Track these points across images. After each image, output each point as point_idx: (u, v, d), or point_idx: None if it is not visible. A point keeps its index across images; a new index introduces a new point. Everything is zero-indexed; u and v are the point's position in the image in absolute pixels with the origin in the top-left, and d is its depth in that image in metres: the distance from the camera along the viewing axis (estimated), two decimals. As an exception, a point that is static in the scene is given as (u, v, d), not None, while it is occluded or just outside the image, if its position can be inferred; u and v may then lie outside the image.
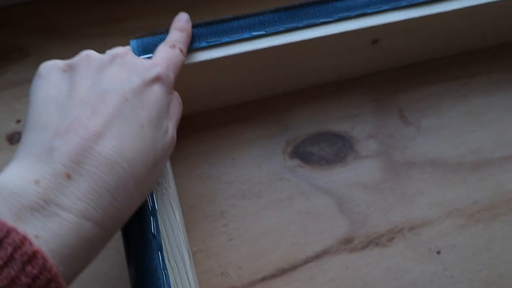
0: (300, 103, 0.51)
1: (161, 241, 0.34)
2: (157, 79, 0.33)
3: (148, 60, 0.35)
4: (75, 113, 0.29)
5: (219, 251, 0.43)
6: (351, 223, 0.45)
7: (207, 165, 0.47)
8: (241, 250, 0.43)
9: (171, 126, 0.35)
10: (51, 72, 0.33)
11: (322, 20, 0.44)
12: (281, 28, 0.44)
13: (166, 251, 0.34)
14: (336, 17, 0.45)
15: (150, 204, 0.35)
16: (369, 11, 0.45)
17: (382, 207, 0.46)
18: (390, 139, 0.49)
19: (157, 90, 0.33)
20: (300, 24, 0.44)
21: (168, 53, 0.38)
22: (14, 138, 0.49)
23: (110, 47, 0.55)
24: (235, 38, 0.43)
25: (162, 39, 0.42)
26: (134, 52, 0.41)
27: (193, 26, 0.43)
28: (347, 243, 0.44)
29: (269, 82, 0.48)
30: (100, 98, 0.30)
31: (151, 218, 0.34)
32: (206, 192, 0.46)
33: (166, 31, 0.43)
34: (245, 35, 0.43)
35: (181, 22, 0.42)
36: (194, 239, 0.44)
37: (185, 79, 0.43)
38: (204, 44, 0.42)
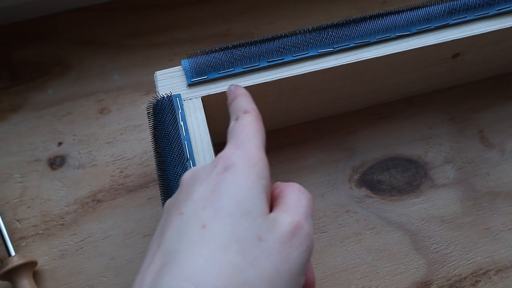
0: (365, 123, 0.46)
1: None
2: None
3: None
4: None
5: (280, 294, 0.39)
6: (428, 263, 0.40)
7: (264, 194, 0.42)
8: (304, 294, 0.39)
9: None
10: None
11: (397, 34, 0.39)
12: (351, 44, 0.38)
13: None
14: (413, 30, 0.39)
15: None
16: (451, 22, 0.39)
17: (463, 245, 0.40)
18: (470, 165, 0.44)
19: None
20: (373, 39, 0.39)
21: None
22: (55, 163, 0.45)
23: (154, 59, 0.52)
24: (299, 56, 0.38)
25: (216, 59, 0.37)
26: (186, 73, 0.37)
27: (252, 43, 0.38)
28: (424, 287, 0.39)
29: (332, 101, 0.43)
30: None
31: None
32: (264, 226, 0.41)
33: (219, 49, 0.38)
34: (311, 53, 0.38)
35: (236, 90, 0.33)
36: (252, 280, 0.39)
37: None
38: (265, 63, 0.37)
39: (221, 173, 0.26)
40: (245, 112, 0.30)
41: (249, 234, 0.24)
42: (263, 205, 0.26)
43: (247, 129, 0.29)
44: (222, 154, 0.27)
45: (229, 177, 0.26)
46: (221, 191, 0.25)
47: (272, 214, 0.26)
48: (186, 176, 0.28)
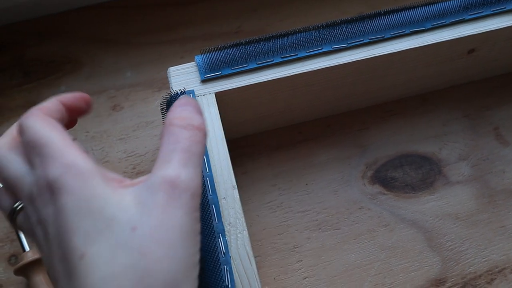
0: (378, 119, 0.45)
1: (237, 296, 0.30)
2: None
3: None
4: None
5: (294, 291, 0.39)
6: (442, 261, 0.39)
7: (277, 191, 0.42)
8: (318, 291, 0.39)
9: None
10: None
11: (412, 30, 0.38)
12: (366, 40, 0.38)
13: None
14: (428, 25, 0.39)
15: (222, 250, 0.31)
16: (467, 17, 0.39)
17: (478, 243, 0.40)
18: (485, 162, 0.43)
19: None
20: (387, 35, 0.38)
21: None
22: (69, 159, 0.45)
23: (166, 56, 0.52)
24: (312, 52, 0.38)
25: (229, 54, 0.37)
26: (199, 69, 0.37)
27: (265, 39, 0.38)
28: (438, 285, 0.39)
29: (345, 98, 0.43)
30: None
31: (225, 268, 0.30)
32: (277, 222, 0.41)
33: (233, 45, 0.38)
34: (325, 49, 0.38)
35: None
36: (265, 276, 0.39)
37: (255, 97, 0.39)
38: (278, 59, 0.37)
39: (55, 200, 0.24)
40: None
41: (124, 233, 0.23)
42: (124, 195, 0.24)
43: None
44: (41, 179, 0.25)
45: (63, 199, 0.24)
46: (69, 215, 0.24)
47: (144, 186, 0.24)
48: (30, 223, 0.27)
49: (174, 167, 0.24)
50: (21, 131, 0.27)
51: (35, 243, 0.27)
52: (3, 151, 0.28)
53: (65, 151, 0.25)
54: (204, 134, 0.27)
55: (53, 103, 0.29)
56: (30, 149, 0.26)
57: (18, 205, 0.28)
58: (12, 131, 0.29)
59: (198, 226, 0.25)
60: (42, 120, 0.27)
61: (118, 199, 0.24)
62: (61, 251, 0.24)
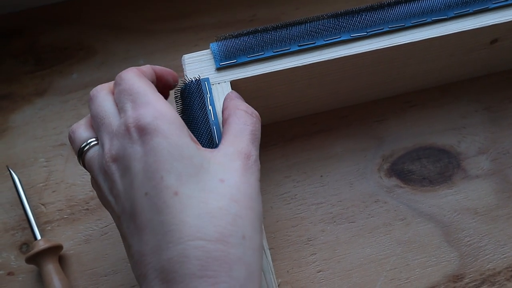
0: (396, 111, 0.44)
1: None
2: None
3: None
4: None
5: (307, 284, 0.38)
6: (460, 256, 0.39)
7: (291, 183, 0.42)
8: (332, 284, 0.38)
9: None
10: None
11: (434, 18, 0.37)
12: (386, 28, 0.37)
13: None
14: (451, 14, 0.37)
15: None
16: (491, 5, 0.38)
17: (497, 239, 0.39)
18: (505, 156, 0.42)
19: None
20: (408, 23, 0.37)
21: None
22: (81, 147, 0.45)
23: (179, 44, 0.51)
24: (331, 41, 0.37)
25: (245, 42, 0.36)
26: (215, 57, 0.36)
27: (282, 26, 0.37)
28: (456, 281, 0.38)
29: (363, 88, 0.42)
30: None
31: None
32: (291, 215, 0.40)
33: (249, 33, 0.37)
34: (343, 37, 0.37)
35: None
36: (278, 269, 0.39)
37: (271, 86, 0.38)
38: (295, 47, 0.36)
39: (145, 140, 0.27)
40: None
41: (213, 181, 0.27)
42: (206, 153, 0.28)
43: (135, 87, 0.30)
44: (126, 120, 0.28)
45: (157, 139, 0.26)
46: (161, 155, 0.26)
47: (221, 152, 0.28)
48: (104, 158, 0.28)
49: (248, 143, 0.29)
50: (118, 82, 0.30)
51: (104, 178, 0.29)
52: (102, 92, 0.31)
53: (159, 101, 0.28)
54: (260, 124, 0.32)
55: (147, 68, 0.33)
56: (125, 96, 0.29)
57: (92, 140, 0.31)
58: (109, 84, 0.32)
59: (260, 193, 0.29)
60: (139, 75, 0.30)
61: (203, 154, 0.28)
62: (149, 187, 0.26)
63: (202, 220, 0.25)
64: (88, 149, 0.31)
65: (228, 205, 0.26)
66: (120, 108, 0.29)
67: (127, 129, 0.27)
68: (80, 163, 0.32)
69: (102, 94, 0.31)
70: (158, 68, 0.34)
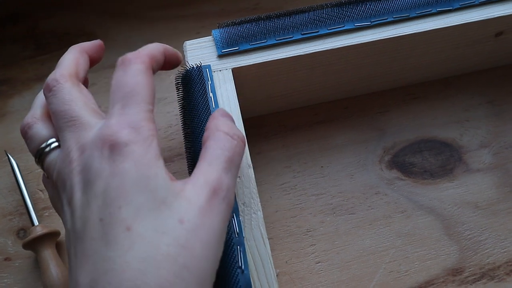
0: (398, 103, 0.44)
1: (249, 277, 0.29)
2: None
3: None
4: None
5: (306, 275, 0.38)
6: (460, 250, 0.38)
7: (291, 173, 0.41)
8: (330, 276, 0.38)
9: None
10: None
11: (439, 9, 0.37)
12: (390, 19, 0.37)
13: (255, 288, 0.29)
14: (456, 5, 0.37)
15: (236, 230, 0.30)
16: (497, -3, 0.37)
17: (498, 233, 0.39)
18: (507, 150, 0.42)
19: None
20: (412, 14, 0.37)
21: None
22: (80, 134, 0.44)
23: (181, 31, 0.50)
24: (334, 30, 0.36)
25: (248, 29, 0.36)
26: (216, 44, 0.35)
27: (286, 14, 0.36)
28: (455, 274, 0.37)
29: (365, 79, 0.42)
30: None
31: (238, 249, 0.29)
32: (290, 205, 0.40)
33: (252, 20, 0.37)
34: (347, 26, 0.36)
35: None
36: (277, 259, 0.38)
37: (273, 75, 0.37)
38: (298, 36, 0.36)
39: (115, 160, 0.24)
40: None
41: (171, 221, 0.24)
42: (177, 185, 0.25)
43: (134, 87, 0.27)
44: (103, 131, 0.25)
45: (127, 165, 0.24)
46: (126, 183, 0.24)
47: (190, 184, 0.25)
48: (68, 168, 0.25)
49: (220, 174, 0.26)
50: (121, 68, 0.27)
51: (64, 187, 0.26)
52: (71, 81, 0.28)
53: (147, 111, 0.26)
54: (244, 148, 0.28)
55: (158, 51, 0.30)
56: (120, 94, 0.26)
57: (53, 141, 0.28)
58: (77, 68, 0.30)
59: (225, 235, 0.26)
60: (146, 70, 0.28)
61: (172, 187, 0.25)
62: (106, 213, 0.23)
63: (146, 265, 0.22)
64: (49, 152, 0.28)
65: (178, 253, 0.23)
66: (110, 105, 0.26)
67: (103, 143, 0.25)
68: (37, 164, 0.29)
69: (71, 85, 0.28)
70: (170, 49, 0.31)
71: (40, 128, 0.28)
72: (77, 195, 0.25)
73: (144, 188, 0.24)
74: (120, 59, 0.28)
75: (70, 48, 0.32)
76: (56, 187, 0.27)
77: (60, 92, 0.27)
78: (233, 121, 0.29)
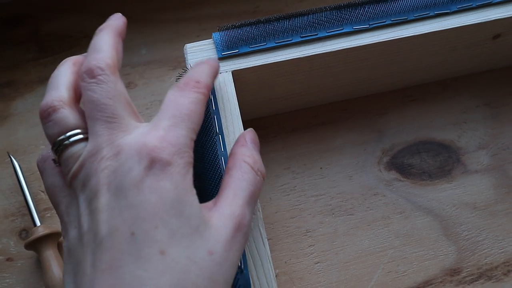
0: (396, 105, 0.44)
1: (248, 277, 0.29)
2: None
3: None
4: None
5: (305, 275, 0.38)
6: (458, 250, 0.39)
7: (291, 174, 0.42)
8: (329, 276, 0.38)
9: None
10: None
11: (437, 12, 0.37)
12: (388, 21, 0.37)
13: None
14: (454, 8, 0.37)
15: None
16: (494, 0, 0.38)
17: (495, 234, 0.39)
18: (505, 152, 0.42)
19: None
20: (411, 17, 0.37)
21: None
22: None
23: (182, 34, 0.51)
24: (333, 33, 0.37)
25: (247, 32, 0.36)
26: (217, 46, 0.36)
27: (285, 17, 0.37)
28: (453, 275, 0.38)
29: (364, 81, 0.42)
30: None
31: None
32: (290, 206, 0.41)
33: (251, 23, 0.37)
34: (346, 29, 0.37)
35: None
36: (276, 260, 0.39)
37: (272, 77, 0.38)
38: (298, 39, 0.36)
39: (154, 173, 0.23)
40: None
41: (202, 252, 0.24)
42: (205, 213, 0.25)
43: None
44: (144, 141, 0.24)
45: (166, 184, 0.24)
46: (164, 202, 0.23)
47: (218, 214, 0.25)
48: (100, 166, 0.24)
49: (244, 207, 0.26)
50: (195, 69, 0.28)
51: (84, 186, 0.24)
52: (116, 74, 0.27)
53: (191, 145, 0.25)
54: (263, 183, 0.28)
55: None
56: (174, 113, 0.25)
57: (79, 132, 0.25)
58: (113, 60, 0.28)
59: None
60: (212, 72, 0.29)
61: (202, 215, 0.25)
62: (140, 229, 0.23)
63: None
64: (73, 143, 0.25)
65: (204, 285, 0.23)
66: (158, 117, 0.25)
67: (145, 153, 0.24)
68: (52, 149, 0.26)
69: (116, 79, 0.26)
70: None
71: (68, 114, 0.26)
72: (105, 197, 0.23)
73: (180, 213, 0.24)
74: (184, 81, 0.27)
75: (105, 27, 0.29)
76: (68, 178, 0.25)
77: (105, 83, 0.25)
78: (258, 149, 0.30)
